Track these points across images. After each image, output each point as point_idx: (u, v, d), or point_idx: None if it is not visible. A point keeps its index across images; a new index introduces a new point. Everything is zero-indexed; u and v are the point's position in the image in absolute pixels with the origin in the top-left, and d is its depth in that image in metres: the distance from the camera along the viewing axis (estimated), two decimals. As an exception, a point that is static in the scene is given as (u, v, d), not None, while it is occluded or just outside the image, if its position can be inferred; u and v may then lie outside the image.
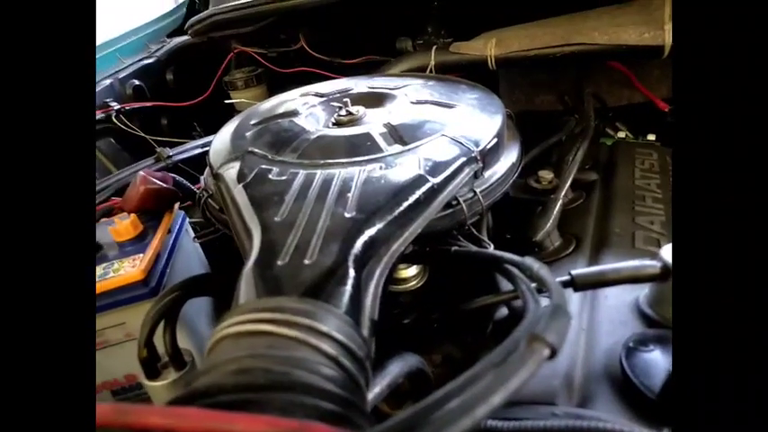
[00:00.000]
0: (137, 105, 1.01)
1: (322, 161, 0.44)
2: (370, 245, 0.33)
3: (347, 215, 0.35)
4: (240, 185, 0.42)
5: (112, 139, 0.95)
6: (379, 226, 0.34)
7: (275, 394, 0.20)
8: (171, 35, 1.24)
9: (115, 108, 0.95)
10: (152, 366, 0.38)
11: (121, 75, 1.02)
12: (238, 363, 0.22)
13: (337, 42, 1.02)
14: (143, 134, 0.94)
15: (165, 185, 0.59)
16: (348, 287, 0.29)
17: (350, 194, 0.37)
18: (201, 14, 1.02)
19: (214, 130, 0.75)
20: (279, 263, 0.31)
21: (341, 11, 0.88)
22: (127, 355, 0.52)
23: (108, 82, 0.99)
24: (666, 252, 0.34)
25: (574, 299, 0.40)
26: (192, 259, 0.62)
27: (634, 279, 0.34)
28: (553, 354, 0.20)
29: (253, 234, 0.35)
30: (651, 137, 0.77)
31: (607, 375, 0.32)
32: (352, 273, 0.30)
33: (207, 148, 0.68)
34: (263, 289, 0.29)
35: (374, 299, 0.31)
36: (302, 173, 0.42)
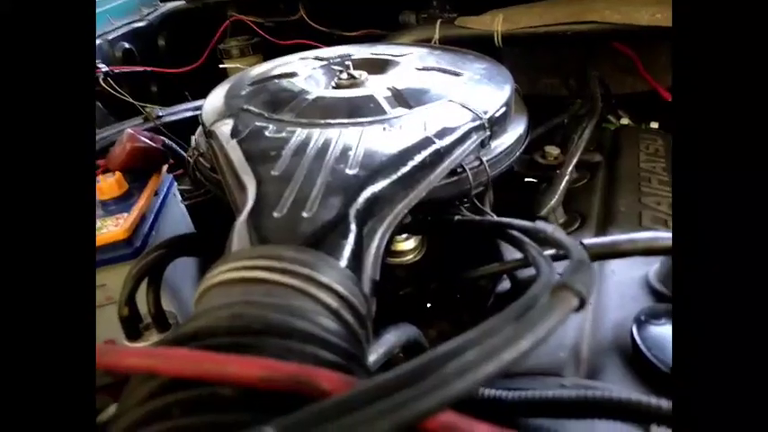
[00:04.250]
0: (126, 69, 0.96)
1: (322, 121, 0.41)
2: (373, 202, 0.31)
3: (349, 171, 0.33)
4: (234, 141, 0.40)
5: (99, 104, 0.91)
6: (383, 184, 0.32)
7: (272, 339, 0.18)
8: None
9: (103, 70, 0.91)
10: (133, 326, 0.36)
11: (111, 36, 0.98)
12: (231, 309, 0.20)
13: (338, 14, 0.99)
14: (131, 99, 0.90)
15: (153, 144, 0.56)
16: (350, 241, 0.27)
17: (351, 152, 0.35)
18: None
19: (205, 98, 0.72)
20: (275, 214, 0.29)
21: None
22: (107, 319, 0.49)
23: (97, 42, 0.94)
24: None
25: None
26: (179, 224, 0.59)
27: (648, 251, 0.32)
28: (582, 305, 0.18)
29: (247, 188, 0.33)
30: (654, 124, 0.76)
31: (617, 348, 0.31)
32: (353, 228, 0.28)
33: (198, 111, 0.66)
34: (257, 239, 0.27)
35: (376, 259, 0.29)
36: (300, 131, 0.40)
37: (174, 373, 0.15)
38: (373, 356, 0.29)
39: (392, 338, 0.31)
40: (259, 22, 1.07)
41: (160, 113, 0.68)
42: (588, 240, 0.33)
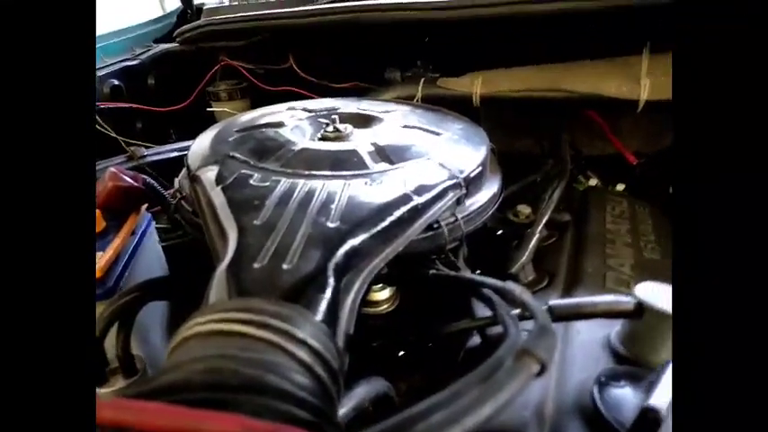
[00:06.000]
0: (111, 105, 0.98)
1: (306, 172, 0.43)
2: (352, 256, 0.32)
3: (330, 224, 0.34)
4: (218, 187, 0.41)
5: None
6: (362, 237, 0.33)
7: (247, 396, 0.18)
8: (158, 42, 1.22)
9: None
10: (100, 371, 0.35)
11: (101, 73, 1.00)
12: (206, 362, 0.20)
13: (327, 65, 1.04)
14: (115, 134, 0.91)
15: (134, 184, 0.56)
16: (327, 295, 0.28)
17: (333, 206, 0.37)
18: (193, 23, 1.02)
19: (191, 138, 0.74)
20: (255, 265, 0.29)
21: (333, 35, 0.90)
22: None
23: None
24: (640, 290, 0.35)
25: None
26: (153, 264, 0.59)
27: (609, 314, 0.34)
28: (542, 370, 0.19)
29: (228, 236, 0.34)
30: (620, 186, 0.81)
31: (578, 408, 0.32)
32: (331, 281, 0.29)
33: (183, 152, 0.67)
34: (236, 290, 0.28)
35: (351, 312, 0.30)
36: (285, 181, 0.41)
37: (150, 428, 0.16)
38: (343, 410, 0.29)
39: (362, 392, 0.31)
40: (249, 68, 1.11)
41: (144, 152, 0.69)
42: (554, 302, 0.34)
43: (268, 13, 0.92)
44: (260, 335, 0.23)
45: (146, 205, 0.59)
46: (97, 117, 0.90)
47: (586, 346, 0.38)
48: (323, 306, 0.27)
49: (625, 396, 0.31)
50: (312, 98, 0.97)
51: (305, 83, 1.03)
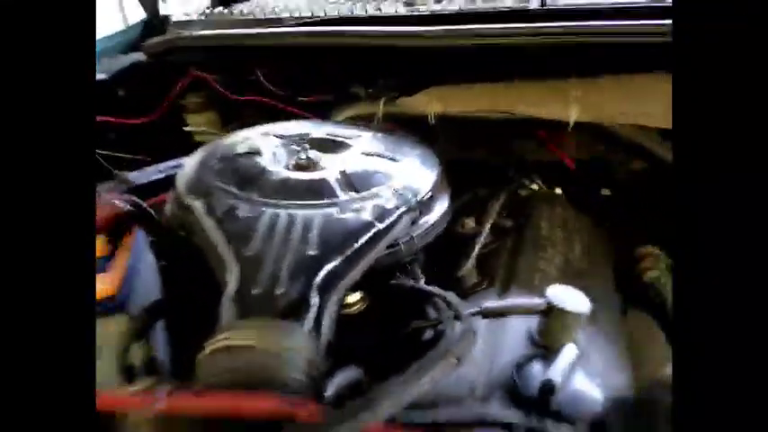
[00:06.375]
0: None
1: (285, 201, 0.52)
2: (329, 277, 0.41)
3: (310, 252, 0.43)
4: (212, 220, 0.49)
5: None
6: (335, 262, 0.43)
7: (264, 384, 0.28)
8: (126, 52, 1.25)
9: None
10: (130, 373, 0.44)
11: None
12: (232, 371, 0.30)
13: (293, 77, 1.10)
14: (103, 162, 0.96)
15: (128, 208, 0.63)
16: (312, 312, 0.37)
17: (311, 234, 0.46)
18: (162, 38, 1.06)
19: (162, 149, 0.83)
20: (254, 292, 0.38)
21: (301, 55, 0.97)
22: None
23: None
24: (551, 292, 0.46)
25: (482, 324, 0.51)
26: (150, 276, 0.66)
27: (528, 312, 0.45)
28: (459, 362, 0.29)
29: (227, 267, 0.42)
30: (558, 190, 0.92)
31: (502, 383, 0.43)
32: (315, 300, 0.38)
33: (166, 174, 0.74)
34: (240, 314, 0.36)
35: (331, 323, 0.39)
36: (268, 211, 0.50)
37: (209, 411, 0.25)
38: (327, 393, 0.39)
39: (340, 380, 0.41)
40: (216, 78, 1.16)
41: (130, 177, 0.75)
42: (487, 304, 0.45)
43: (237, 33, 0.98)
44: (265, 346, 0.32)
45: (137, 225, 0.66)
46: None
47: (513, 336, 0.49)
48: (309, 321, 0.36)
49: (536, 373, 0.42)
50: (278, 108, 1.05)
51: (272, 93, 1.10)
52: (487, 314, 0.44)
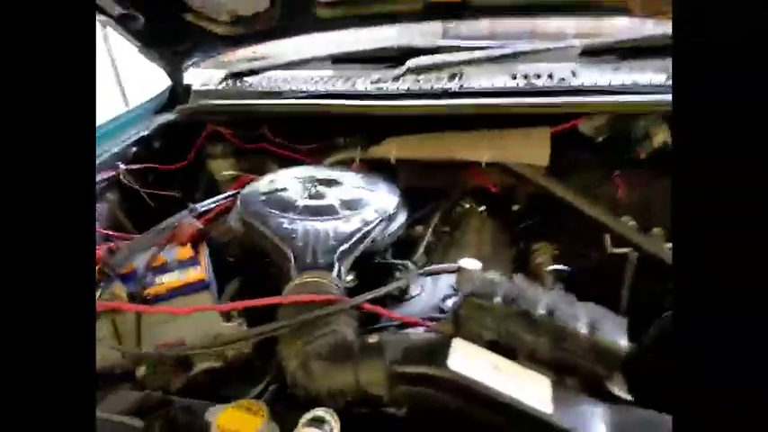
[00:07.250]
0: (134, 166, 1.36)
1: (310, 218, 0.90)
2: (341, 255, 0.79)
3: (332, 242, 0.81)
4: (271, 230, 0.86)
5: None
6: (344, 247, 0.81)
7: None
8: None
9: (122, 168, 1.30)
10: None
11: (126, 143, 1.37)
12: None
13: (293, 129, 1.48)
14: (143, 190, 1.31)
15: (202, 226, 0.99)
16: (336, 270, 0.75)
17: (330, 234, 0.84)
18: (194, 105, 1.43)
19: (191, 188, 1.26)
20: (307, 260, 0.76)
21: (296, 118, 1.36)
22: (181, 325, 0.89)
23: (115, 149, 1.33)
24: (461, 261, 0.85)
25: (427, 280, 0.89)
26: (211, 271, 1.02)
27: (448, 271, 0.85)
28: (408, 287, 0.68)
29: (286, 254, 0.80)
30: (482, 208, 1.33)
31: (436, 306, 0.81)
32: (336, 265, 0.76)
33: (217, 203, 1.10)
34: (301, 271, 0.74)
35: (344, 275, 0.77)
36: (301, 224, 0.88)
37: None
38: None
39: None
40: (231, 132, 1.52)
41: (197, 207, 1.10)
42: (427, 268, 0.84)
43: (249, 103, 1.37)
44: (318, 281, 0.70)
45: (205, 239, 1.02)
46: (129, 177, 1.30)
47: (442, 285, 0.88)
48: (335, 272, 0.74)
49: (451, 303, 0.81)
50: (281, 155, 1.42)
51: (274, 143, 1.47)
52: (429, 273, 0.83)
